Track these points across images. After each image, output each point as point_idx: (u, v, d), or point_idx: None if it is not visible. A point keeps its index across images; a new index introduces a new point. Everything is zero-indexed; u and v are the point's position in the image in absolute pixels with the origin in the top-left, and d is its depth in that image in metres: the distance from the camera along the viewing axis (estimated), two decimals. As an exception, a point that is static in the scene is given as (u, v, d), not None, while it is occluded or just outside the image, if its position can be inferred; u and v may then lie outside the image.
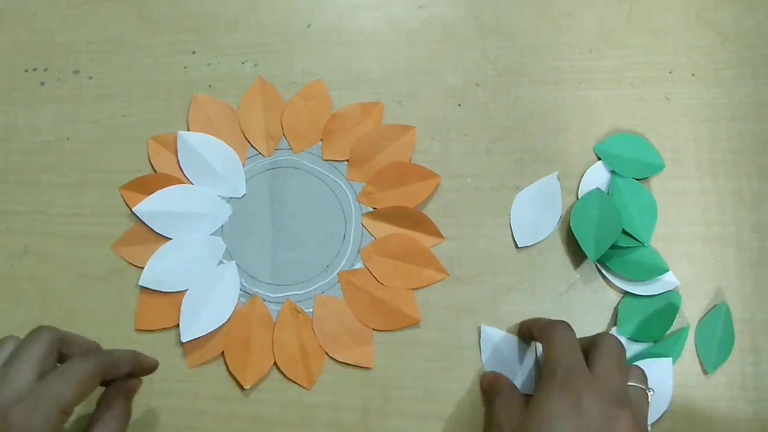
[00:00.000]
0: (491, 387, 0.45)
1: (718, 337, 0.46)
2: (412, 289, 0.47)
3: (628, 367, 0.41)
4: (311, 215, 0.49)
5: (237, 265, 0.48)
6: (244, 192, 0.49)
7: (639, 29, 0.53)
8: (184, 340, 0.46)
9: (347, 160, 0.50)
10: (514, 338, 0.46)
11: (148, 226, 0.48)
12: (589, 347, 0.41)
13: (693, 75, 0.52)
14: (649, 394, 0.40)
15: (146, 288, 0.47)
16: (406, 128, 0.50)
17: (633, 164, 0.49)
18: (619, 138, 0.50)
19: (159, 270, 0.47)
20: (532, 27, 0.53)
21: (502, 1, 0.53)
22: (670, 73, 0.52)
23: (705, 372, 0.46)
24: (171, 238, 0.48)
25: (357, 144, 0.50)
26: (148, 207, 0.48)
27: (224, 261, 0.48)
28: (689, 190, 0.49)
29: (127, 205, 0.49)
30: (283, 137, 0.50)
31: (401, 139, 0.50)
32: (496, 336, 0.46)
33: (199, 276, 0.47)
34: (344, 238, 0.49)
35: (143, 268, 0.48)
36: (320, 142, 0.50)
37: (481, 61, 0.52)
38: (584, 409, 0.36)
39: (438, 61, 0.52)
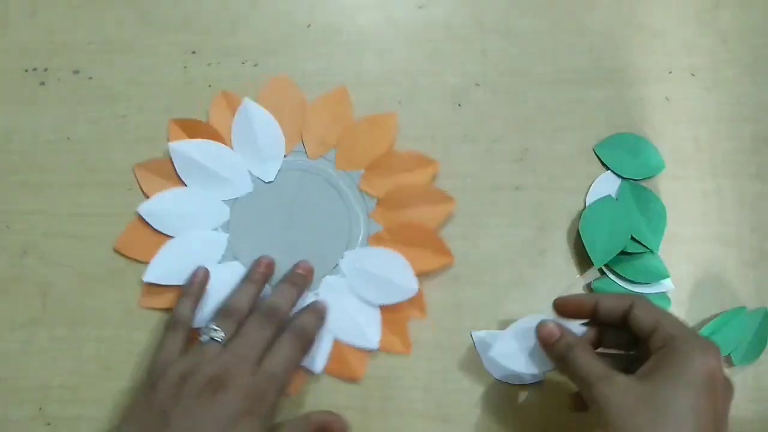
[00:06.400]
0: (555, 339, 0.40)
1: (752, 334, 0.46)
2: (418, 275, 0.47)
3: None
4: (320, 221, 0.49)
5: (242, 264, 0.48)
6: (251, 190, 0.49)
7: (639, 29, 0.53)
8: None
9: (363, 170, 0.49)
10: (506, 333, 0.45)
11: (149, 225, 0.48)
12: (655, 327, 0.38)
13: (693, 75, 0.52)
14: None
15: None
16: (429, 161, 0.49)
17: (633, 164, 0.49)
18: (619, 138, 0.50)
19: (163, 265, 0.47)
20: (532, 27, 0.53)
21: (503, 1, 0.53)
22: (670, 73, 0.52)
23: (731, 365, 0.46)
24: (173, 236, 0.48)
25: (375, 163, 0.49)
26: (151, 207, 0.48)
27: (228, 260, 0.48)
28: (689, 190, 0.49)
29: (141, 190, 0.49)
30: (300, 141, 0.50)
31: (422, 170, 0.49)
32: (490, 337, 0.46)
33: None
34: (347, 246, 0.48)
35: (145, 263, 0.47)
36: (334, 150, 0.50)
37: (481, 61, 0.52)
38: (717, 395, 0.35)
39: (438, 61, 0.52)
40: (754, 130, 0.50)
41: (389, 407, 0.46)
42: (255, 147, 0.49)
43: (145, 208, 0.48)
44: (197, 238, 0.48)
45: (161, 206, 0.48)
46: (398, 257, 0.47)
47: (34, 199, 0.50)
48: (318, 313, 0.45)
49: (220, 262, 0.48)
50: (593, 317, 0.41)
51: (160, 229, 0.48)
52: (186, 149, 0.49)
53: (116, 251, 0.48)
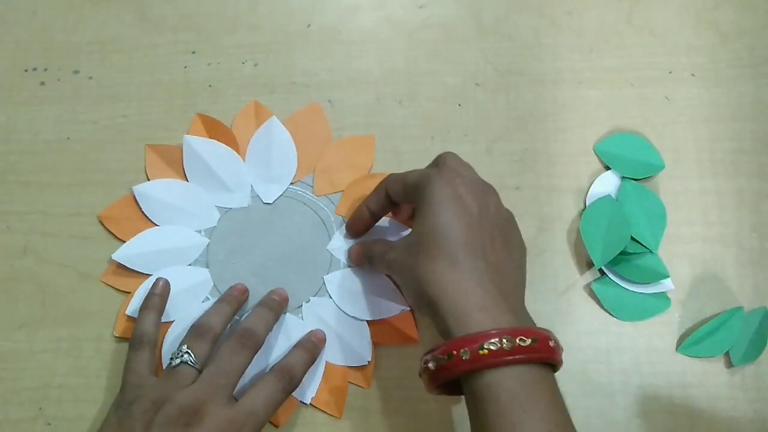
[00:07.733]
0: (362, 253, 0.46)
1: (751, 334, 0.46)
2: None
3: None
4: (297, 247, 0.48)
5: (215, 264, 0.48)
6: (246, 205, 0.49)
7: (639, 29, 0.53)
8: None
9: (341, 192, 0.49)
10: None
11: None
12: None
13: (693, 75, 0.52)
14: None
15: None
16: None
17: (633, 164, 0.49)
18: (619, 138, 0.50)
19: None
20: (532, 27, 0.53)
21: (502, 1, 0.53)
22: (670, 73, 0.52)
23: (731, 365, 0.46)
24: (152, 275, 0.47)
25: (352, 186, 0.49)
26: (126, 252, 0.47)
27: (210, 297, 0.47)
28: (689, 190, 0.49)
29: (145, 172, 0.49)
30: (312, 174, 0.50)
31: None
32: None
33: (186, 309, 0.46)
34: (329, 270, 0.48)
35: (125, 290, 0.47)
36: (340, 193, 0.49)
37: (481, 61, 0.52)
38: (461, 193, 0.40)
39: (438, 61, 0.52)
40: (754, 130, 0.51)
41: (389, 407, 0.46)
42: (267, 165, 0.49)
43: (122, 254, 0.47)
44: (180, 274, 0.47)
45: (136, 249, 0.47)
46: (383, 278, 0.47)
47: (34, 199, 0.50)
48: (309, 351, 0.44)
49: (203, 302, 0.47)
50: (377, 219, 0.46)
51: (138, 269, 0.47)
52: (197, 146, 0.49)
53: (99, 219, 0.48)
